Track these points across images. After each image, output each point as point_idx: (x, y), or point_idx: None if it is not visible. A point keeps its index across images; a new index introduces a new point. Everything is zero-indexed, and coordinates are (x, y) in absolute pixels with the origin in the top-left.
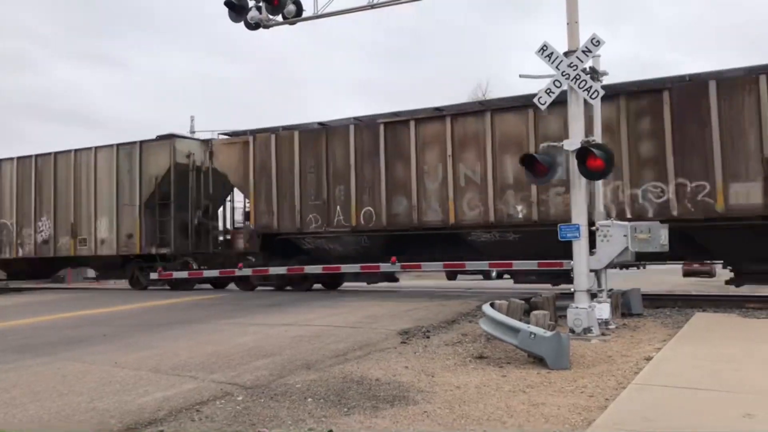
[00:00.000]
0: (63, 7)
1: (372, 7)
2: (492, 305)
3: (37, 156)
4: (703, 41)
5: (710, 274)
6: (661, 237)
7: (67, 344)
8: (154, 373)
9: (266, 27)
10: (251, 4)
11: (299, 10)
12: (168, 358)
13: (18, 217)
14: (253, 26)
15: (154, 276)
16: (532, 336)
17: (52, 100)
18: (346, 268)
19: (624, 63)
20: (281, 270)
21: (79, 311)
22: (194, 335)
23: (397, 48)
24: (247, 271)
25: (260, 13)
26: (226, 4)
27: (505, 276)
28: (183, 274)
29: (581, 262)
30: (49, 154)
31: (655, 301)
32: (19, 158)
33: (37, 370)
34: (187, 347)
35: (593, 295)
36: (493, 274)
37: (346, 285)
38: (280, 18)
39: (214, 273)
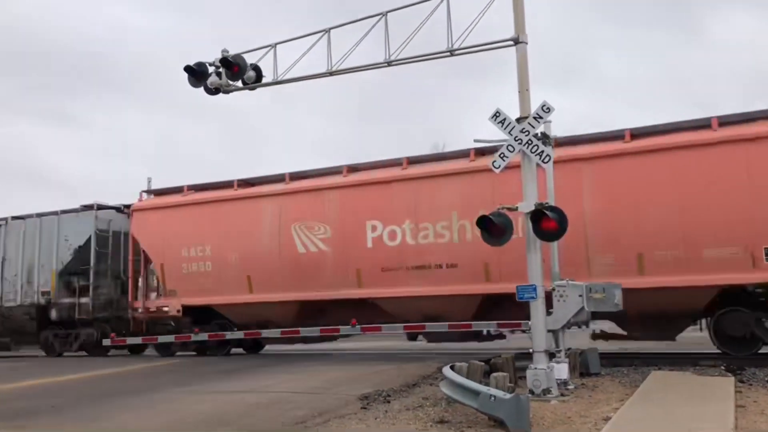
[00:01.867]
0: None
1: (331, 74)
2: (452, 367)
3: None
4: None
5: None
6: (615, 296)
7: (14, 417)
8: None
9: (226, 92)
10: (211, 69)
11: (259, 75)
12: (121, 430)
13: None
14: (213, 91)
15: (106, 342)
16: (492, 398)
17: (5, 157)
18: (304, 331)
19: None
20: (239, 334)
21: (22, 381)
22: (146, 405)
23: (359, 107)
24: (203, 336)
25: (220, 78)
26: (185, 69)
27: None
28: (137, 340)
29: (539, 322)
30: None
31: (613, 360)
32: None
33: None
34: (138, 418)
35: (552, 355)
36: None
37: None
38: (240, 83)
39: (169, 338)
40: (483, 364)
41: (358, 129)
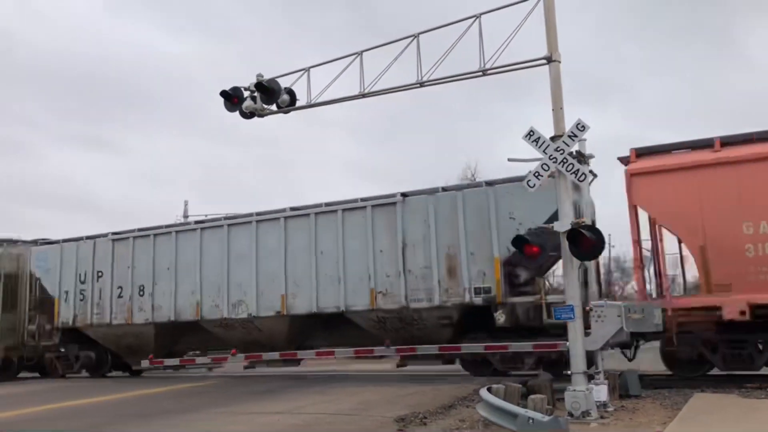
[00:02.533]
0: (60, 92)
1: (363, 96)
2: (489, 389)
3: None
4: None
5: None
6: (654, 317)
7: None
8: None
9: (261, 116)
10: (246, 94)
11: (293, 99)
12: None
13: None
14: (248, 115)
15: (145, 363)
16: (531, 421)
17: (45, 184)
18: (302, 354)
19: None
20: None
21: (66, 402)
22: (183, 426)
23: (390, 129)
24: (240, 357)
25: (255, 102)
26: (221, 94)
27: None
28: (175, 361)
29: (577, 343)
30: None
31: (654, 382)
32: None
33: None
34: None
35: (590, 377)
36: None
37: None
38: (274, 107)
39: (205, 359)
40: (520, 386)
41: (388, 150)
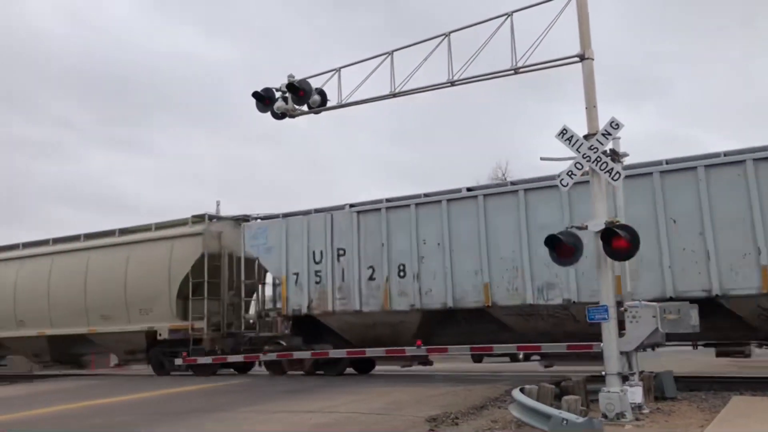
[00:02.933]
0: (97, 96)
1: (394, 95)
2: (522, 390)
3: None
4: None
5: (745, 354)
6: (691, 318)
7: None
8: None
9: (292, 116)
10: (278, 95)
11: (324, 99)
12: None
13: None
14: (279, 116)
15: (178, 362)
16: (565, 422)
17: (83, 186)
18: (371, 352)
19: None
20: (306, 354)
21: (100, 399)
22: (215, 425)
23: (422, 128)
24: (272, 356)
25: (286, 103)
26: (253, 95)
27: (533, 358)
28: (207, 360)
29: (611, 344)
30: None
31: (690, 384)
32: None
33: None
34: None
35: (625, 378)
36: (521, 356)
37: (378, 369)
38: (305, 108)
39: (238, 358)
40: (553, 386)
41: (419, 151)
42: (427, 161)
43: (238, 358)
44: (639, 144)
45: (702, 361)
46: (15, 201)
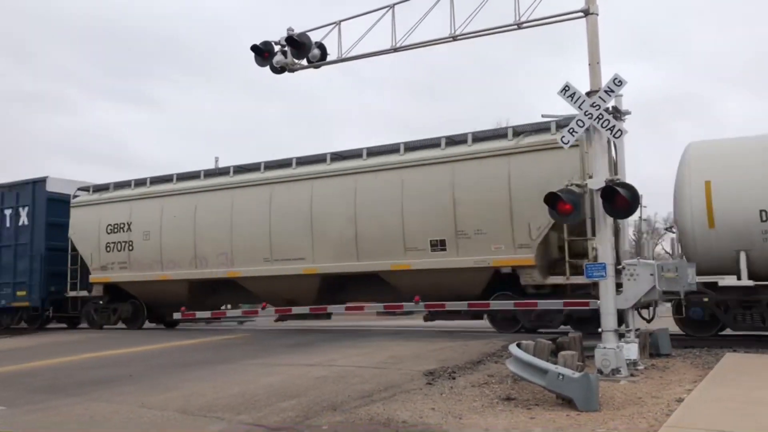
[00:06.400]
0: (101, 48)
1: (395, 50)
2: (519, 345)
3: None
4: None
5: None
6: (688, 276)
7: (94, 385)
8: (181, 413)
9: (291, 71)
10: (277, 48)
11: (323, 53)
12: (195, 399)
13: None
14: (278, 70)
15: (177, 315)
16: (561, 377)
17: (86, 139)
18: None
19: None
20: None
21: (103, 351)
22: (219, 376)
23: (425, 84)
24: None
25: (285, 57)
26: (252, 48)
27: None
28: (206, 314)
29: (608, 301)
30: None
31: (684, 341)
32: None
33: (64, 410)
34: (213, 388)
35: (621, 335)
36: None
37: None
38: (305, 62)
39: (236, 312)
40: (550, 342)
41: (424, 104)
42: (433, 115)
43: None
44: (651, 102)
45: None
46: (12, 153)
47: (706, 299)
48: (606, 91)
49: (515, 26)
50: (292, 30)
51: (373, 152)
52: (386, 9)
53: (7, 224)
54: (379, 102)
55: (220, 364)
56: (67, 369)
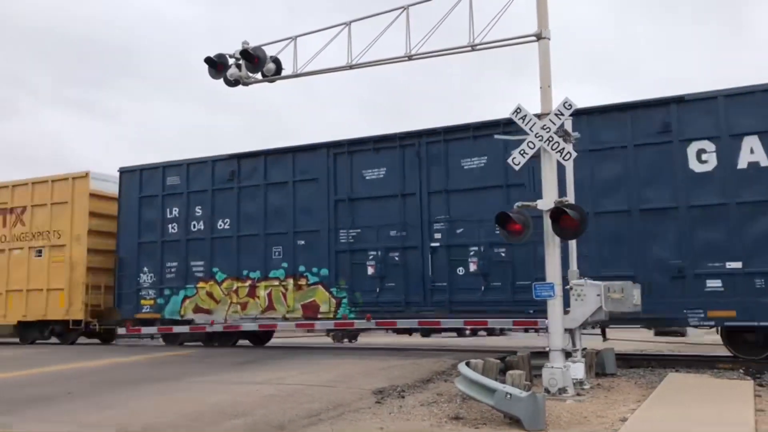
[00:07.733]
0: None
1: (351, 67)
2: (467, 364)
3: None
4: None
5: (682, 334)
6: (634, 297)
7: (29, 402)
8: None
9: (245, 84)
10: (231, 61)
11: (278, 68)
12: (136, 418)
13: None
14: (232, 83)
15: (121, 331)
16: (508, 396)
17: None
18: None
19: None
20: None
21: (40, 368)
22: (163, 394)
23: (383, 99)
24: (218, 327)
25: (240, 70)
26: (206, 60)
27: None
28: (153, 329)
29: (556, 321)
30: None
31: (629, 361)
32: None
33: None
34: (156, 406)
35: (568, 354)
36: (467, 332)
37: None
38: (259, 76)
39: (184, 328)
40: (498, 361)
41: (382, 119)
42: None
43: (183, 328)
44: None
45: (642, 338)
46: None
47: None
48: (556, 114)
49: (469, 48)
50: (248, 43)
51: None
52: (342, 26)
53: None
54: (338, 117)
55: (163, 382)
56: (1, 387)
